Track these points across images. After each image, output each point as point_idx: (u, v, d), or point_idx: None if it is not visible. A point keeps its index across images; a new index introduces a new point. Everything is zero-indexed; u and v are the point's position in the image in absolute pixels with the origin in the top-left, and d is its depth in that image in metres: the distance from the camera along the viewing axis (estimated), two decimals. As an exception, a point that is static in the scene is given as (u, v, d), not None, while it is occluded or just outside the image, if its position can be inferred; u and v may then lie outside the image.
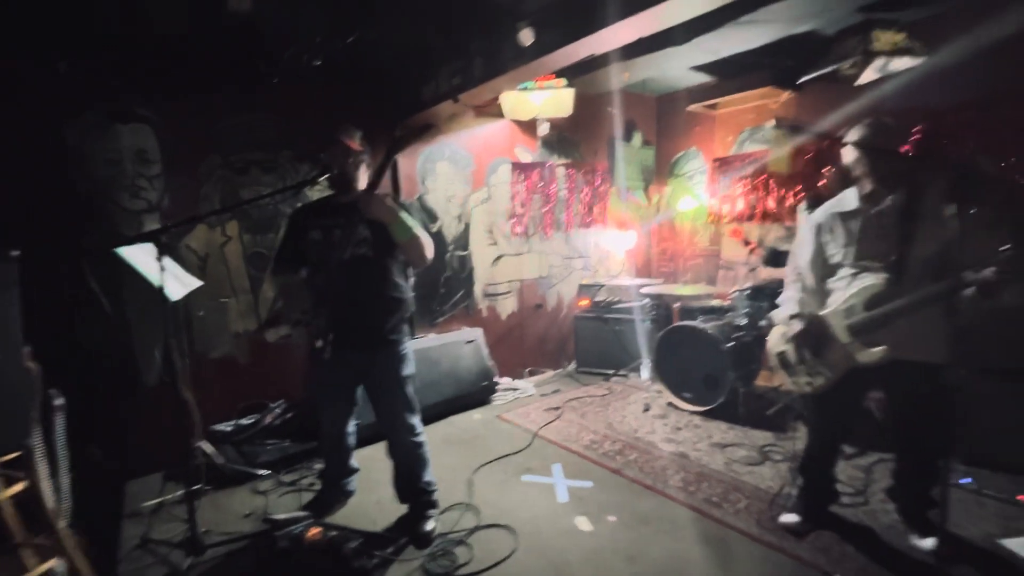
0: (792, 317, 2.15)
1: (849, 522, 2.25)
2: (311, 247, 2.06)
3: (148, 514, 2.45)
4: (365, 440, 3.07)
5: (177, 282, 2.38)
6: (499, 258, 4.36)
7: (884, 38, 3.05)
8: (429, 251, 2.03)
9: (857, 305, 1.98)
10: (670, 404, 3.70)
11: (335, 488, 2.49)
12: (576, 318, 4.63)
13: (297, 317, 2.01)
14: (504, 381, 4.25)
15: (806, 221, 2.21)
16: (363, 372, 2.21)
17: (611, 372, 4.45)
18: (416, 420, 2.29)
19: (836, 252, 2.07)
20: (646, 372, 4.15)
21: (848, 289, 2.02)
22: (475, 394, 3.89)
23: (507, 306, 4.46)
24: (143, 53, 2.69)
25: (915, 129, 3.33)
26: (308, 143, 3.22)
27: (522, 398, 4.07)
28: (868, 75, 3.33)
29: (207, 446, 2.69)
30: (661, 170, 5.28)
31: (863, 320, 1.95)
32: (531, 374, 4.53)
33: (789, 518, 2.22)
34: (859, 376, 2.02)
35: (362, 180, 2.10)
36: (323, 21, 2.44)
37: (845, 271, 2.05)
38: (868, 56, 3.09)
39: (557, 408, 3.74)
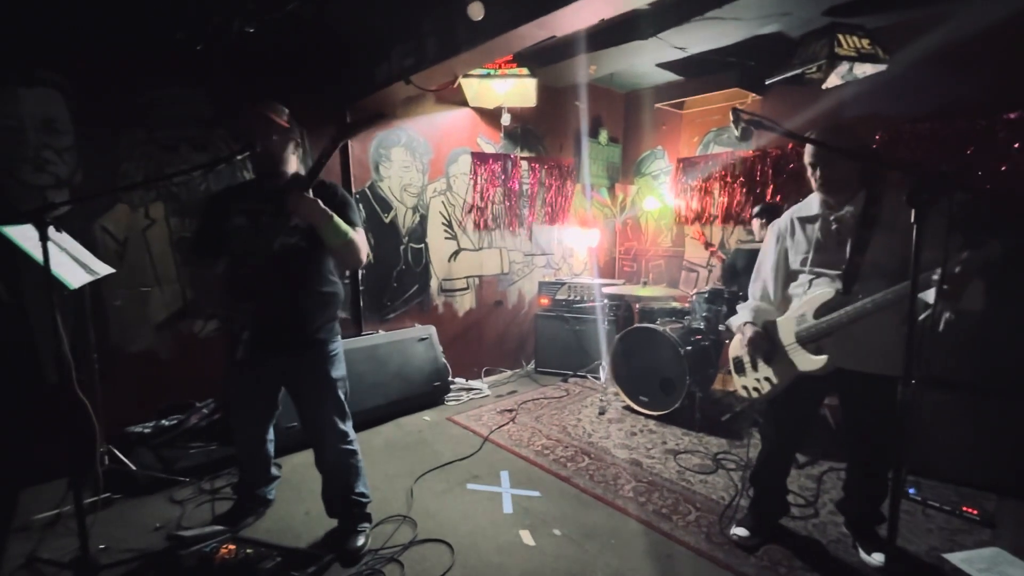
0: (745, 323, 2.09)
1: (799, 536, 2.19)
2: (235, 234, 1.83)
3: (40, 528, 2.18)
4: (296, 445, 2.88)
5: (79, 267, 2.11)
6: (457, 252, 4.18)
7: (848, 42, 3.03)
8: (363, 253, 1.83)
9: (807, 313, 1.92)
10: (626, 407, 3.62)
11: (251, 498, 2.28)
12: (536, 316, 4.49)
13: (211, 311, 1.79)
14: (458, 381, 4.09)
15: (770, 227, 2.14)
16: (288, 375, 2.01)
17: (569, 373, 4.35)
18: (348, 426, 2.09)
19: (796, 258, 2.01)
20: (604, 374, 4.06)
21: (804, 296, 1.96)
22: (427, 395, 3.71)
23: (464, 303, 4.29)
24: (45, 6, 2.39)
25: (875, 137, 3.34)
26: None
27: (477, 399, 3.91)
28: (833, 79, 3.31)
29: (115, 451, 2.43)
30: (627, 168, 5.21)
31: (809, 328, 1.89)
32: (487, 374, 4.37)
33: (739, 531, 2.15)
34: (809, 384, 1.96)
35: (292, 163, 1.90)
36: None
37: (804, 277, 1.99)
38: (833, 60, 3.07)
39: (511, 410, 3.60)
